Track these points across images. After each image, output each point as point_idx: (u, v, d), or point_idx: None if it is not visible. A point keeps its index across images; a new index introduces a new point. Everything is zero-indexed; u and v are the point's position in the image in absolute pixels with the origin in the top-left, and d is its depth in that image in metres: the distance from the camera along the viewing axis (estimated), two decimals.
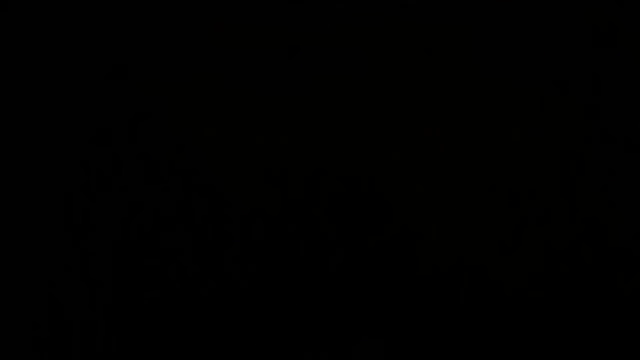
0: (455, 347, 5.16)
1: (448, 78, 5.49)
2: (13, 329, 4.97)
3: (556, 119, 5.35)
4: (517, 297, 5.22)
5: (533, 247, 5.28)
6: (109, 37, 5.34)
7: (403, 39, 5.44)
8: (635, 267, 5.16)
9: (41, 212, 5.14)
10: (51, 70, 5.26)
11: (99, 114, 5.35)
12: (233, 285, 5.20)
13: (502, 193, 5.34)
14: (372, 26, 5.47)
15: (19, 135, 5.16)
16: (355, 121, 5.49)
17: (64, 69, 5.28)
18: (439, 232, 5.34)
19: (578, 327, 5.15)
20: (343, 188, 5.29)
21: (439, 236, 5.33)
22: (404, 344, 5.15)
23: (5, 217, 5.10)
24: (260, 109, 5.48)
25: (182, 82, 5.47)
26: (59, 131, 5.23)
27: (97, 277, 5.17)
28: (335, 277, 5.21)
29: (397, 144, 5.44)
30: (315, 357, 5.12)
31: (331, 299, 5.20)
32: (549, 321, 5.17)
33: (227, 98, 5.44)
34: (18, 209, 5.11)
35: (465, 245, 5.30)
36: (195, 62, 5.50)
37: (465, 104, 5.48)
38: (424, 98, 5.42)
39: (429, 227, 5.31)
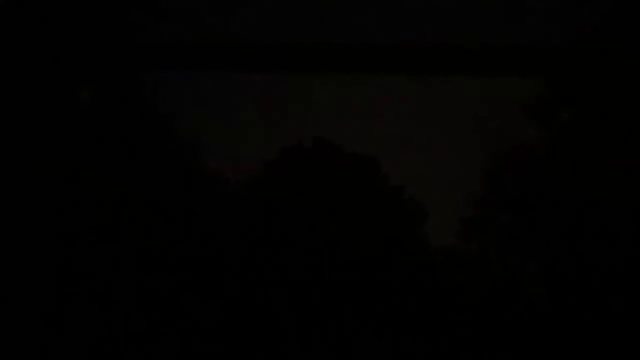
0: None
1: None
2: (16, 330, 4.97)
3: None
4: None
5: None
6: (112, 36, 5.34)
7: None
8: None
9: (41, 212, 5.14)
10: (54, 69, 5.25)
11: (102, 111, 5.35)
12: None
13: None
14: None
15: (20, 134, 5.16)
16: None
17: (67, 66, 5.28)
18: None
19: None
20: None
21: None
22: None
23: (6, 218, 5.09)
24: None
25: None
26: (59, 130, 5.22)
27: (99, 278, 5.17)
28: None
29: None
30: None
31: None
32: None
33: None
34: (18, 210, 5.11)
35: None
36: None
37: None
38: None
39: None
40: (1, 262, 5.06)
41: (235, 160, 5.47)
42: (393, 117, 5.56)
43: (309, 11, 5.51)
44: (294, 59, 5.56)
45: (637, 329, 5.11)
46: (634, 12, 5.31)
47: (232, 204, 5.35)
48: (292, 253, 5.26)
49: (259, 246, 5.26)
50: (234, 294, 5.19)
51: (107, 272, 5.18)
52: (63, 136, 5.25)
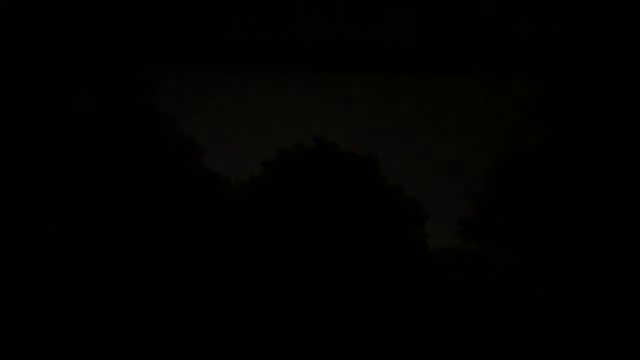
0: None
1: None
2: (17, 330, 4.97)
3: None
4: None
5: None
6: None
7: None
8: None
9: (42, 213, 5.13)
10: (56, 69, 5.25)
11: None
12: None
13: None
14: None
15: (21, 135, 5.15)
16: None
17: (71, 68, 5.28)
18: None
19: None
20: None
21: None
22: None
23: (8, 219, 5.09)
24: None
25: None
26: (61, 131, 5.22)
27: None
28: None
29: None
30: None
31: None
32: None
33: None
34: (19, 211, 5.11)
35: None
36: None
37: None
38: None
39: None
40: (2, 262, 5.05)
41: (235, 160, 5.47)
42: (393, 117, 5.56)
43: (310, 12, 5.51)
44: (294, 59, 5.56)
45: (637, 329, 5.11)
46: (634, 13, 5.31)
47: (232, 204, 5.35)
48: (291, 253, 5.26)
49: (258, 246, 5.26)
50: (233, 294, 5.19)
51: (107, 272, 5.18)
52: (64, 138, 5.25)
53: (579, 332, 5.12)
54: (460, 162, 5.49)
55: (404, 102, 5.55)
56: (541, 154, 5.39)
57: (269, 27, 5.53)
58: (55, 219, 5.15)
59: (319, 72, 5.54)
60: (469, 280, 5.27)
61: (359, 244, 5.29)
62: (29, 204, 5.14)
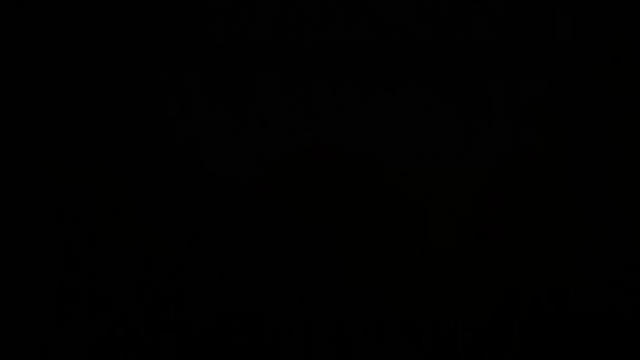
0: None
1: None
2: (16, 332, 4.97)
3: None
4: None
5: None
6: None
7: None
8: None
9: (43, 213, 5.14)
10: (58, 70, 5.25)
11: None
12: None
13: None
14: None
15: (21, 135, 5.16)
16: None
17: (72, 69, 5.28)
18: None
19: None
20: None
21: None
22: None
23: (8, 219, 5.10)
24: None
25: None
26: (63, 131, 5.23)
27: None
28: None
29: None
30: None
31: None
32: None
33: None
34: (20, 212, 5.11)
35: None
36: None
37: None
38: None
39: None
40: (1, 262, 5.06)
41: (235, 160, 5.47)
42: (394, 117, 5.56)
43: (310, 11, 5.52)
44: (294, 59, 5.57)
45: (638, 330, 5.11)
46: (635, 12, 5.31)
47: (231, 205, 5.35)
48: (290, 253, 5.26)
49: (258, 246, 5.27)
50: (234, 294, 5.20)
51: (106, 272, 5.18)
52: (63, 136, 5.26)
53: (582, 332, 5.13)
54: (460, 162, 5.49)
55: (403, 102, 5.55)
56: (542, 154, 5.40)
57: (271, 28, 5.53)
58: (56, 219, 5.15)
59: (320, 73, 5.54)
60: (469, 281, 5.28)
61: (358, 244, 5.29)
62: (28, 203, 5.14)
